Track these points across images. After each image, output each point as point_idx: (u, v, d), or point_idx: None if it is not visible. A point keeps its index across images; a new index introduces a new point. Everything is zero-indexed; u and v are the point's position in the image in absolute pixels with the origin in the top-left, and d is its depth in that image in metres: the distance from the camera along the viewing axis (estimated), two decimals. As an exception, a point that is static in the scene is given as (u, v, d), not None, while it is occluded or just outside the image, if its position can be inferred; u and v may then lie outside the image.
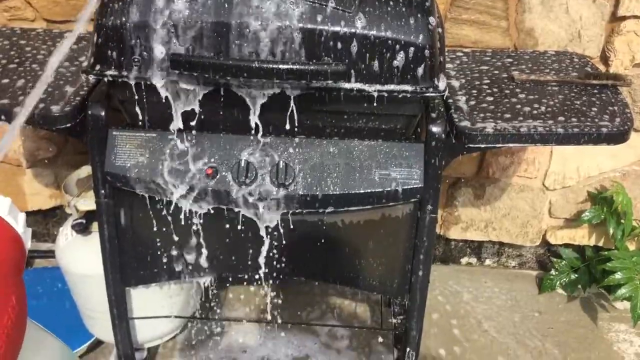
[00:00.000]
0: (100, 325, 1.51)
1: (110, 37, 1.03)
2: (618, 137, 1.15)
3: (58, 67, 1.20)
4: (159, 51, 1.02)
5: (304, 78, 1.00)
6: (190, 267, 1.32)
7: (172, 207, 1.21)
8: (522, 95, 1.24)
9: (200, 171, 1.15)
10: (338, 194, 1.15)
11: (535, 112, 1.18)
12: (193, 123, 1.12)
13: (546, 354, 1.75)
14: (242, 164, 1.15)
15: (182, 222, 1.23)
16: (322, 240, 1.26)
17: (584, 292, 1.95)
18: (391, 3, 1.01)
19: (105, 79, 1.07)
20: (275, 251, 1.27)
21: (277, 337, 1.74)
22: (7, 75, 1.25)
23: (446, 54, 1.15)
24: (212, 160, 1.16)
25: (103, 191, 1.21)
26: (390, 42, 1.01)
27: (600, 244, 1.96)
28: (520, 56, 1.46)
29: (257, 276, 1.31)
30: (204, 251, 1.29)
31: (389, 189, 1.15)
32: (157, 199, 1.19)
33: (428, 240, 1.23)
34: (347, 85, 1.04)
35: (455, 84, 1.30)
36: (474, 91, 1.26)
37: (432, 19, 1.02)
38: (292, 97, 1.06)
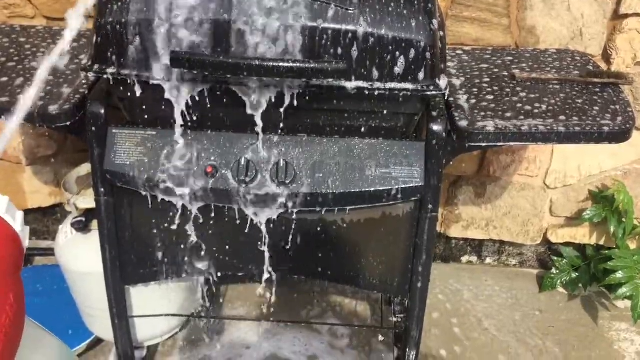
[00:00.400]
0: (100, 324, 1.51)
1: (110, 35, 1.02)
2: (620, 136, 1.15)
3: (54, 66, 1.20)
4: (159, 49, 1.01)
5: (304, 76, 0.99)
6: (190, 266, 1.32)
7: (171, 206, 1.20)
8: (523, 94, 1.24)
9: (200, 169, 1.15)
10: (338, 193, 1.14)
11: (536, 110, 1.17)
12: (193, 121, 1.12)
13: (547, 352, 1.75)
14: (243, 162, 1.14)
15: (182, 221, 1.23)
16: (323, 239, 1.26)
17: (584, 291, 1.95)
18: (393, 2, 1.00)
19: (105, 77, 1.07)
20: (275, 250, 1.26)
21: (278, 335, 1.74)
22: (6, 73, 1.24)
23: (447, 52, 1.14)
24: (212, 158, 1.15)
25: (103, 189, 1.20)
26: (391, 40, 1.00)
27: (602, 242, 1.96)
28: (521, 54, 1.45)
29: (257, 274, 1.31)
30: (204, 249, 1.29)
31: (389, 187, 1.14)
32: (156, 197, 1.19)
33: (429, 239, 1.22)
34: (347, 84, 1.03)
35: (456, 82, 1.29)
36: (475, 90, 1.26)
37: (433, 17, 1.02)
38: (293, 95, 1.06)
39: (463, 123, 1.13)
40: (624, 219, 1.81)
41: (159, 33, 0.99)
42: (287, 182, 1.13)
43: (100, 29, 1.03)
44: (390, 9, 1.00)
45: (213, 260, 1.31)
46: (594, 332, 1.83)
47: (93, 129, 1.15)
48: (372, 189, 1.14)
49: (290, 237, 1.24)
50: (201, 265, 1.31)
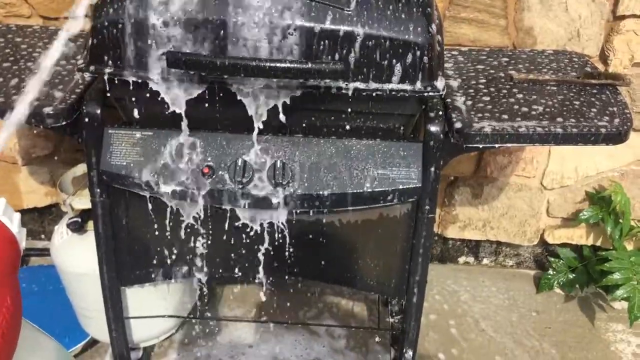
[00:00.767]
0: (96, 325, 1.50)
1: (107, 35, 1.02)
2: (617, 137, 1.15)
3: (52, 65, 1.20)
4: (156, 49, 1.01)
5: (302, 77, 0.99)
6: (186, 267, 1.31)
7: (168, 206, 1.20)
8: (520, 95, 1.23)
9: (197, 170, 1.14)
10: (336, 194, 1.14)
11: (533, 112, 1.17)
12: (189, 121, 1.11)
13: (544, 353, 1.75)
14: (239, 163, 1.14)
15: (178, 222, 1.22)
16: (320, 240, 1.25)
17: (581, 292, 1.95)
18: (392, 4, 1.00)
19: (101, 78, 1.06)
20: (272, 251, 1.26)
21: (275, 336, 1.73)
22: (0, 74, 1.23)
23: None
24: (209, 159, 1.15)
25: (98, 190, 1.20)
26: (390, 42, 1.00)
27: (598, 243, 1.96)
28: (518, 55, 1.45)
29: (253, 276, 1.30)
30: (200, 251, 1.28)
31: (386, 189, 1.14)
32: (153, 197, 1.18)
33: (426, 240, 1.22)
34: (345, 85, 1.03)
35: (454, 83, 1.29)
36: (471, 91, 1.26)
37: (431, 19, 1.02)
38: (290, 96, 1.06)
39: (460, 124, 1.13)
40: (620, 220, 1.81)
41: (155, 33, 0.99)
42: (284, 183, 1.13)
43: (96, 29, 1.02)
44: (389, 11, 1.00)
45: (209, 262, 1.30)
46: (591, 333, 1.83)
47: (89, 129, 1.15)
48: (369, 190, 1.14)
49: (287, 238, 1.24)
50: (197, 266, 1.31)
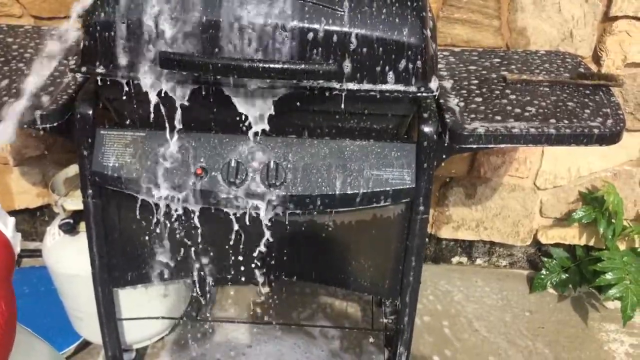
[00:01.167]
0: (88, 326, 1.50)
1: (99, 35, 1.01)
2: (610, 138, 1.15)
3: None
4: (148, 50, 1.00)
5: (295, 77, 0.99)
6: (179, 268, 1.31)
7: (160, 207, 1.19)
8: (513, 96, 1.23)
9: (190, 171, 1.14)
10: (329, 195, 1.14)
11: (526, 113, 1.17)
12: (182, 122, 1.11)
13: (537, 353, 1.75)
14: (232, 164, 1.13)
15: (171, 223, 1.22)
16: (313, 241, 1.25)
17: (574, 292, 1.96)
18: (386, 5, 1.00)
19: (93, 78, 1.05)
20: (265, 252, 1.26)
21: (272, 338, 1.73)
22: (-8, 73, 1.23)
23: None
24: (202, 160, 1.14)
25: (90, 191, 1.19)
26: (383, 43, 1.00)
27: (591, 243, 1.97)
28: (510, 56, 1.45)
29: (247, 277, 1.30)
30: (193, 252, 1.28)
31: (380, 189, 1.14)
32: (145, 198, 1.18)
33: (419, 241, 1.22)
34: (339, 85, 1.03)
35: (447, 84, 1.29)
36: (464, 92, 1.26)
37: (425, 20, 1.02)
38: (283, 96, 1.05)
39: (453, 125, 1.13)
40: (613, 220, 1.82)
41: (147, 34, 0.99)
42: (277, 183, 1.13)
43: (89, 29, 1.01)
44: (383, 12, 0.99)
45: (202, 263, 1.30)
46: (584, 333, 1.84)
47: (81, 130, 1.14)
48: (363, 191, 1.14)
49: (281, 239, 1.23)
50: (190, 268, 1.30)
